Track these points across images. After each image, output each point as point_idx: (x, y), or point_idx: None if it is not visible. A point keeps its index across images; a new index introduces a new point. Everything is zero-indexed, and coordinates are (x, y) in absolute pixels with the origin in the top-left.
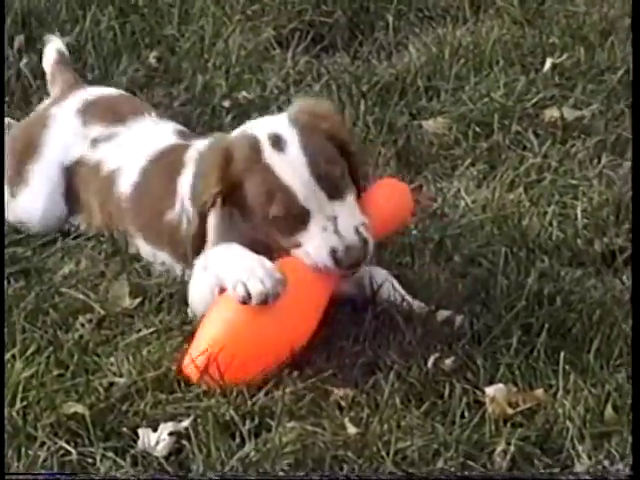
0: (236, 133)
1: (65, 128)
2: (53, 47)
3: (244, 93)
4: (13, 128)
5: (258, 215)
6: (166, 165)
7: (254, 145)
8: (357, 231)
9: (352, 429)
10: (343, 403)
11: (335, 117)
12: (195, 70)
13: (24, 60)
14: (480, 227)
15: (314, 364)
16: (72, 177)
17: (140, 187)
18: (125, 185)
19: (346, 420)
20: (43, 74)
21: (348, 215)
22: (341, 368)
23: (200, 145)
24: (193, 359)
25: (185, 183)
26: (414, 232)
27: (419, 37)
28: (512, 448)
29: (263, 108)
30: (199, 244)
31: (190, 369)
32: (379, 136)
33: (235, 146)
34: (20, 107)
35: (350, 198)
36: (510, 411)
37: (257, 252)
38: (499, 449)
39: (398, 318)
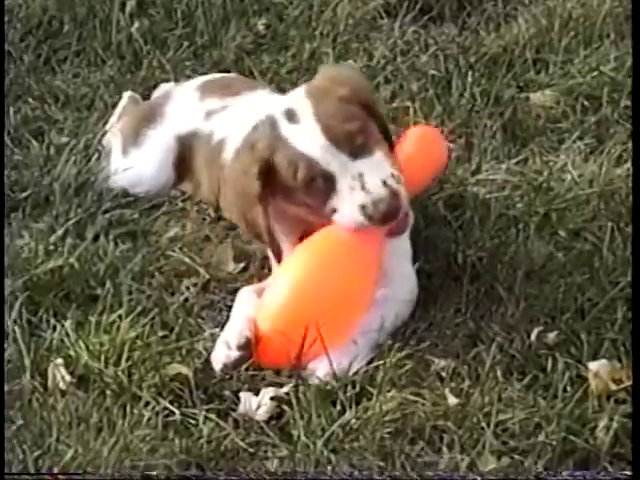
0: (258, 117)
1: (184, 102)
2: None
3: (351, 62)
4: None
5: (292, 189)
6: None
7: (272, 124)
8: (385, 184)
9: (453, 400)
10: (444, 374)
11: (354, 81)
12: (303, 38)
13: (135, 24)
14: (586, 202)
15: (415, 334)
16: (185, 148)
17: (238, 153)
18: (229, 151)
19: (447, 391)
20: (154, 39)
21: (374, 170)
22: (442, 339)
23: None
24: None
25: None
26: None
27: (528, 8)
28: (615, 424)
29: (370, 77)
30: (271, 239)
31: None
32: (485, 108)
33: (257, 132)
34: (131, 71)
35: (378, 153)
36: (613, 387)
37: (305, 231)
38: (602, 425)
39: (500, 290)
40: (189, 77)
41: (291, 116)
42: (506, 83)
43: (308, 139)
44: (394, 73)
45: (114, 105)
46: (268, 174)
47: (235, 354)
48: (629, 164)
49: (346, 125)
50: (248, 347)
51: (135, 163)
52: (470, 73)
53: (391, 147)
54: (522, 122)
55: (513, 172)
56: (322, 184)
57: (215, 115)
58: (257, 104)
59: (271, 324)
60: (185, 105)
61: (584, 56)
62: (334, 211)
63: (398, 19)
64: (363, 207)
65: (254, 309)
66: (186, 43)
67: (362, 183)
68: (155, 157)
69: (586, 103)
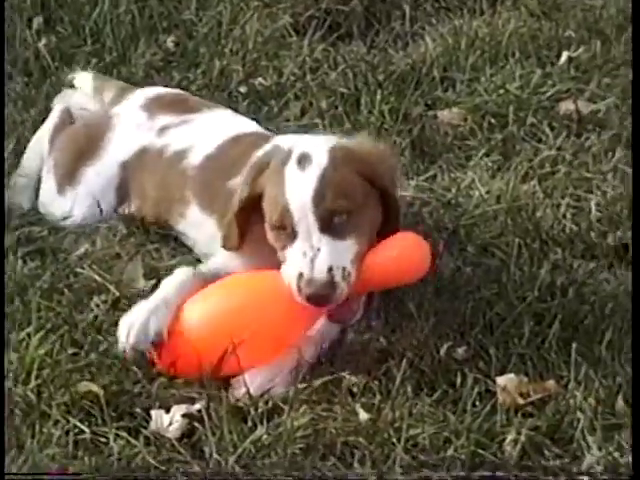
0: (289, 143)
1: (129, 123)
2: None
3: (260, 79)
4: (70, 128)
5: (267, 222)
6: (248, 144)
7: (284, 158)
8: (329, 271)
9: (364, 415)
10: (355, 389)
11: (383, 162)
12: (212, 55)
13: (43, 41)
14: (494, 218)
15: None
16: (130, 170)
17: (212, 158)
18: (196, 157)
19: (358, 406)
20: (62, 55)
21: (331, 253)
22: (353, 355)
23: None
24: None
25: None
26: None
27: (435, 27)
28: (522, 438)
29: (279, 95)
30: (228, 235)
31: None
32: (394, 125)
33: (273, 158)
34: (37, 87)
35: (348, 242)
36: (521, 401)
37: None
38: (509, 438)
39: (410, 305)
40: None
41: (302, 161)
42: (414, 101)
43: (299, 190)
44: (303, 90)
45: (22, 122)
46: (256, 201)
47: (147, 346)
48: (535, 181)
49: (337, 201)
50: (163, 343)
51: (72, 201)
52: (379, 91)
53: (392, 232)
54: (430, 139)
55: (422, 188)
56: (286, 235)
57: (171, 129)
58: (227, 120)
59: (192, 336)
60: (131, 127)
61: (490, 74)
62: (285, 259)
63: (307, 37)
64: (300, 275)
65: (184, 298)
66: (95, 60)
67: (314, 256)
68: (96, 190)
69: (493, 121)
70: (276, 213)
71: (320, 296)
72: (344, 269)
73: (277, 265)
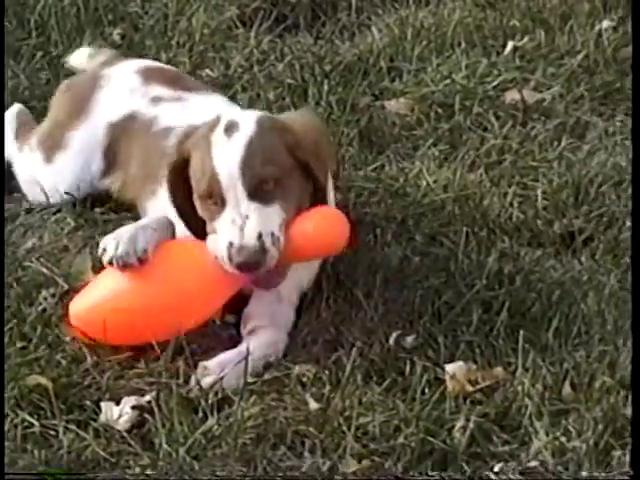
0: (218, 112)
1: (121, 85)
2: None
3: (207, 71)
4: (56, 95)
5: (195, 191)
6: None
7: (212, 126)
8: (260, 236)
9: (314, 404)
10: (305, 379)
11: (312, 138)
12: (159, 48)
13: None
14: (441, 207)
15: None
16: (118, 134)
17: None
18: (172, 139)
19: (307, 396)
20: (7, 48)
21: (260, 219)
22: (303, 345)
23: None
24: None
25: None
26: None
27: (382, 18)
28: (471, 425)
29: (226, 86)
30: (184, 215)
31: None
32: (342, 116)
33: (200, 126)
34: None
35: (276, 207)
36: (470, 388)
37: (199, 231)
38: (458, 425)
39: (359, 294)
40: (45, 85)
41: (229, 129)
42: (362, 91)
43: (225, 158)
44: (251, 82)
45: None
46: (184, 167)
47: (133, 262)
48: (482, 170)
49: (265, 167)
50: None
51: (61, 166)
52: (326, 82)
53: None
54: (378, 129)
55: (370, 178)
56: (214, 204)
57: (165, 103)
58: (217, 105)
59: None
60: (122, 88)
61: (436, 64)
62: (213, 231)
63: (254, 29)
64: (230, 244)
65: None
66: (40, 53)
67: (243, 223)
68: (83, 154)
69: (439, 110)
70: (204, 181)
71: (251, 263)
72: (272, 234)
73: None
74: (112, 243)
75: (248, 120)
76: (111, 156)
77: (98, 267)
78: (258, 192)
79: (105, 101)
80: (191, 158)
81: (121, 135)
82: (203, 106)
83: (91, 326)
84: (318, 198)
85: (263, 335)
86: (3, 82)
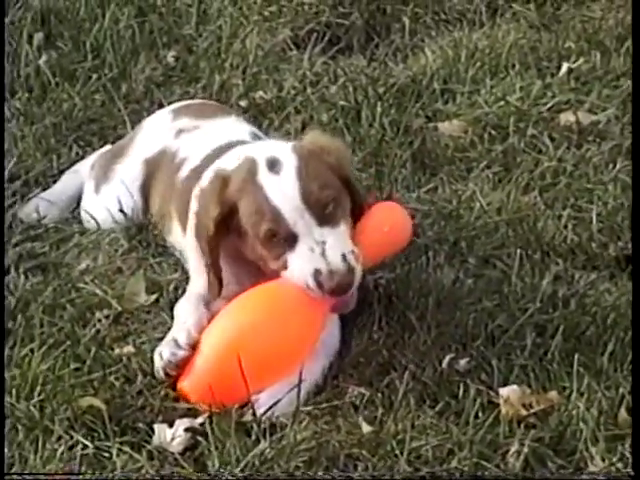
0: (238, 156)
1: (156, 124)
2: None
3: (261, 93)
4: None
5: (251, 235)
6: (217, 156)
7: (251, 167)
8: (344, 258)
9: (366, 428)
10: (357, 402)
11: (341, 153)
12: (212, 70)
13: (43, 57)
14: (495, 229)
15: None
16: (152, 169)
17: (193, 172)
18: (186, 169)
19: (360, 419)
20: (62, 71)
21: (337, 241)
22: (355, 367)
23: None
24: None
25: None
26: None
27: (435, 40)
28: (525, 449)
29: (280, 109)
30: (215, 272)
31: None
32: (395, 138)
33: (234, 170)
34: (39, 103)
35: (343, 227)
36: (524, 412)
37: (253, 277)
38: (512, 450)
39: (412, 317)
40: (100, 107)
41: (273, 166)
42: (415, 113)
43: (283, 194)
44: (304, 104)
45: (23, 137)
46: (228, 217)
47: (182, 352)
48: (536, 192)
49: (323, 191)
50: (195, 347)
51: (105, 198)
52: (379, 103)
53: (356, 222)
54: (431, 151)
55: (423, 200)
56: (282, 241)
57: (185, 134)
58: (223, 129)
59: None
60: (156, 127)
61: (490, 86)
62: (284, 266)
63: (307, 50)
64: (317, 271)
65: (202, 316)
66: (95, 75)
67: (323, 249)
68: (122, 190)
69: (493, 132)
70: (265, 223)
71: (344, 285)
72: (353, 252)
73: (256, 279)
74: (156, 357)
75: (286, 153)
76: (146, 192)
77: (151, 289)
78: (324, 216)
79: (143, 139)
80: (239, 206)
81: (154, 170)
82: (210, 131)
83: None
84: (357, 208)
85: (311, 362)
86: (3, 82)
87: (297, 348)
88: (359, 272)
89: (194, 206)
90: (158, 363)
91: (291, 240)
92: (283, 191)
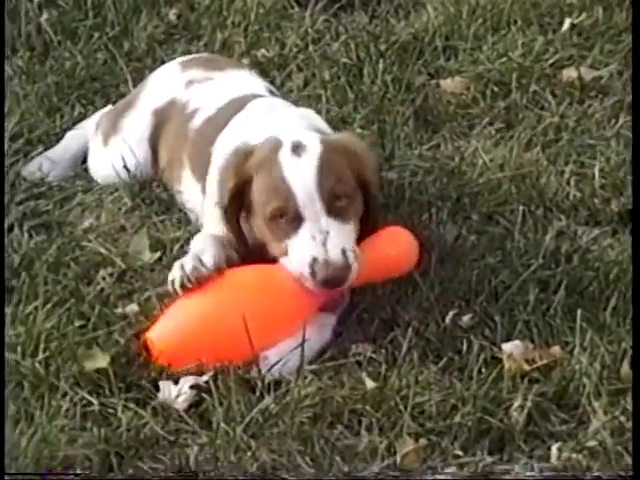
0: (272, 132)
1: (164, 74)
2: None
3: (263, 51)
4: None
5: (259, 213)
6: (236, 108)
7: (275, 147)
8: (344, 252)
9: (370, 384)
10: (361, 358)
11: (368, 160)
12: (214, 27)
13: (44, 15)
14: (497, 186)
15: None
16: (161, 120)
17: (208, 121)
18: (199, 118)
19: (364, 375)
20: (64, 29)
21: (340, 235)
22: (359, 323)
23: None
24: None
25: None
26: None
27: None
28: (529, 404)
29: (282, 66)
30: (238, 237)
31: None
32: (397, 95)
33: (258, 146)
34: (41, 61)
35: (350, 225)
36: (527, 367)
37: (258, 257)
38: (516, 404)
39: (415, 274)
40: (102, 65)
41: (297, 148)
42: (417, 70)
43: (300, 176)
44: (306, 61)
45: (25, 95)
46: (243, 190)
47: (205, 271)
48: (538, 148)
49: (339, 184)
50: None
51: (114, 150)
52: (381, 61)
53: (372, 227)
54: (433, 108)
55: (425, 157)
56: (287, 223)
57: (195, 84)
58: (239, 82)
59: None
60: (165, 78)
61: (492, 43)
62: (285, 252)
63: (309, 8)
64: (314, 260)
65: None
66: (97, 34)
67: (325, 239)
68: (131, 141)
69: (495, 89)
70: (276, 200)
71: (337, 279)
72: (354, 251)
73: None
74: (177, 267)
75: (313, 141)
76: (155, 142)
77: (155, 246)
78: (335, 208)
79: (150, 90)
80: (254, 180)
81: (164, 121)
82: (223, 83)
83: (172, 349)
84: (371, 218)
85: (317, 320)
86: (3, 81)
87: (270, 330)
88: (355, 271)
89: (215, 174)
90: (177, 272)
91: (296, 223)
92: (300, 173)
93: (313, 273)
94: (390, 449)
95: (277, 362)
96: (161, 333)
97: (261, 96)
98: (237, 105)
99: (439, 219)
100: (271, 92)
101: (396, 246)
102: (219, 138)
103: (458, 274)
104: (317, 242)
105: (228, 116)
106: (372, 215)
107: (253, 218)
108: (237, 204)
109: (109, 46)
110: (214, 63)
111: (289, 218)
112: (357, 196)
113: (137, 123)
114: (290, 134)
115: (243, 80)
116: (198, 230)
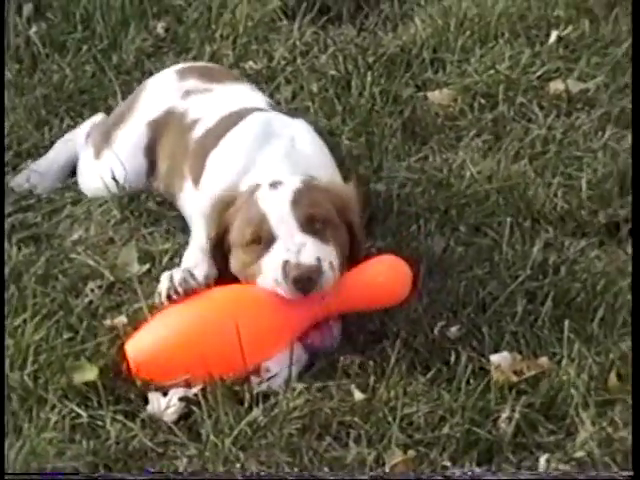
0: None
1: (160, 84)
2: None
3: (251, 63)
4: None
5: (237, 246)
6: (235, 121)
7: (253, 189)
8: (318, 260)
9: (359, 395)
10: (350, 370)
11: (349, 198)
12: (202, 40)
13: (33, 28)
14: (485, 197)
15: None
16: (157, 131)
17: (208, 132)
18: (200, 129)
19: (353, 386)
20: (52, 42)
21: (317, 248)
22: (348, 335)
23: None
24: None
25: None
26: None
27: (424, 9)
28: (517, 415)
29: (270, 79)
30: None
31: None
32: (385, 107)
33: (239, 195)
34: (29, 74)
35: (331, 247)
36: (515, 378)
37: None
38: (504, 416)
39: None
40: (91, 78)
41: (274, 185)
42: (405, 82)
43: (274, 202)
44: (294, 74)
45: (14, 108)
46: (223, 237)
47: (194, 283)
48: (526, 160)
49: (313, 208)
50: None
51: (107, 163)
52: (369, 73)
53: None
54: (421, 120)
55: (413, 169)
56: (262, 246)
57: (194, 95)
58: (240, 94)
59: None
60: (161, 88)
61: (480, 55)
62: (260, 271)
63: (297, 20)
64: (286, 262)
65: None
66: (85, 47)
67: (299, 250)
68: (125, 154)
69: (483, 101)
70: (250, 228)
71: (307, 279)
72: (331, 262)
73: None
74: (165, 278)
75: (291, 179)
76: (152, 154)
77: (143, 259)
78: (311, 228)
79: (146, 101)
80: (232, 225)
81: (160, 132)
82: (228, 96)
83: (152, 365)
84: (354, 254)
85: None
86: (3, 82)
87: (254, 345)
88: (330, 277)
89: (200, 216)
90: (165, 284)
91: (269, 243)
92: (274, 201)
93: (285, 275)
94: (379, 460)
95: (270, 378)
96: (136, 346)
97: (260, 110)
98: (236, 118)
99: (427, 231)
100: (272, 106)
101: (386, 274)
102: (211, 154)
103: (446, 285)
104: (290, 252)
105: (227, 129)
106: (355, 255)
107: (233, 254)
108: (220, 250)
109: (98, 59)
110: (211, 74)
111: (264, 241)
112: (339, 226)
113: (132, 133)
114: (270, 176)
115: (244, 94)
116: (187, 242)
